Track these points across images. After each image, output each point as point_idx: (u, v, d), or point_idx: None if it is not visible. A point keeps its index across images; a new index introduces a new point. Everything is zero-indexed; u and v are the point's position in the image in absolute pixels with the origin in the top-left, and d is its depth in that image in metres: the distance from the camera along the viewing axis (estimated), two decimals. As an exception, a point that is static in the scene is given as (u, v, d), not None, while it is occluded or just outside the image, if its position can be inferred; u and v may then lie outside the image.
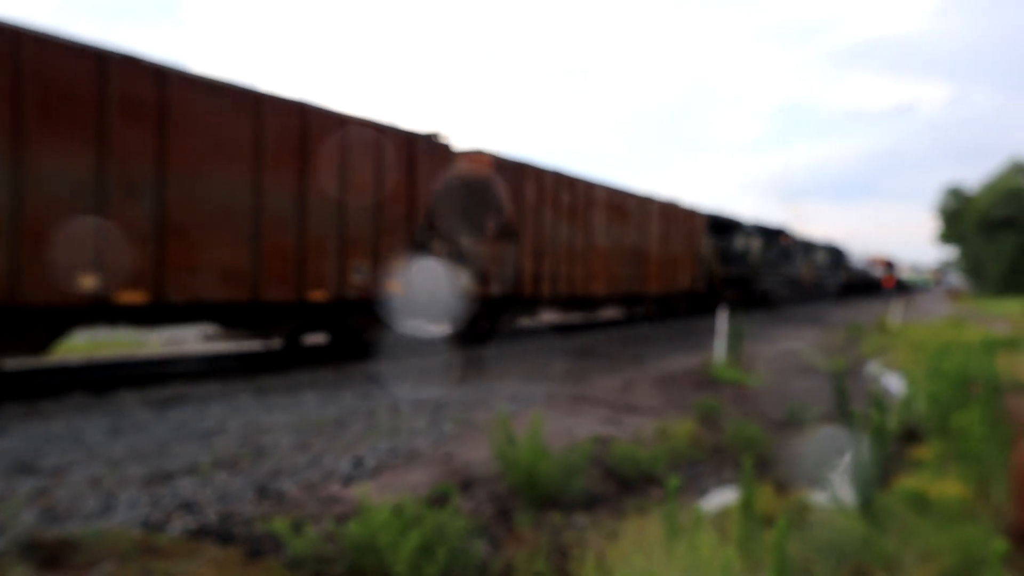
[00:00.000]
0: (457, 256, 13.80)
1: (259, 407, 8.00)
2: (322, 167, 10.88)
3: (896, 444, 7.21)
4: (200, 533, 4.30)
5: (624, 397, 9.44)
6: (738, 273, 30.57)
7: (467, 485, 5.48)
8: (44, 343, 8.32)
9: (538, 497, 5.21)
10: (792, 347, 16.80)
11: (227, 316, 10.18)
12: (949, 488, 5.29)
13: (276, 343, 12.05)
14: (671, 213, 23.51)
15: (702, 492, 6.04)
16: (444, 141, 13.34)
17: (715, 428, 7.98)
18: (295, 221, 10.50)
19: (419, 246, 12.81)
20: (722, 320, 13.50)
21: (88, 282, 8.18)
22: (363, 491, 4.58)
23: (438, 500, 4.91)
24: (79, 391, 8.64)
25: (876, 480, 4.80)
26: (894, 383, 11.47)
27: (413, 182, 12.61)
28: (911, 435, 7.56)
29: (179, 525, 4.38)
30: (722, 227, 29.67)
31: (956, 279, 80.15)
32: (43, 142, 7.83)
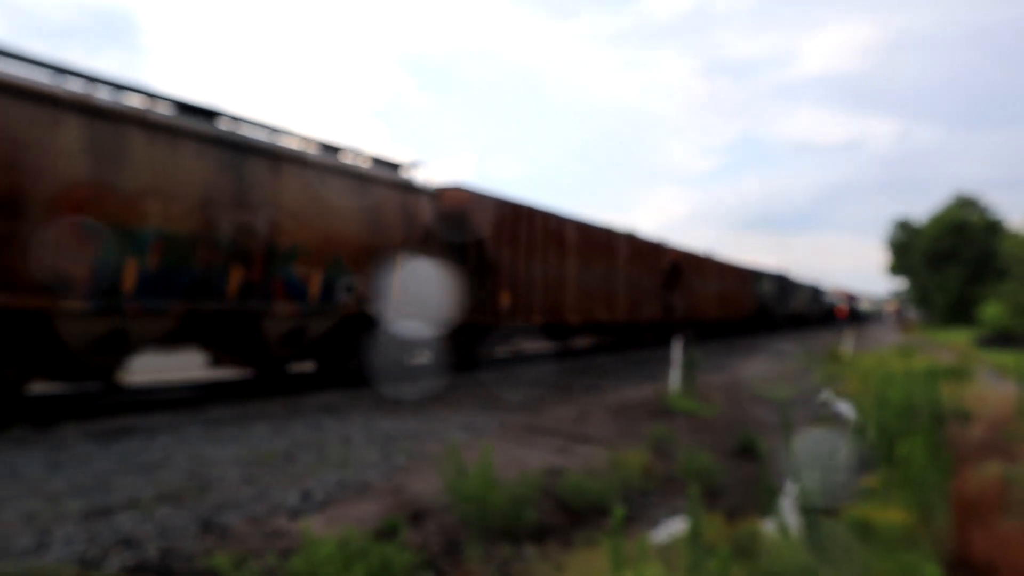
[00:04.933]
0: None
1: (207, 439, 7.86)
2: (625, 258, 23.89)
3: (846, 472, 7.31)
4: (139, 570, 4.19)
5: (578, 427, 9.44)
6: (761, 305, 43.11)
7: (417, 517, 5.42)
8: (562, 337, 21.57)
9: (488, 529, 5.18)
10: (747, 376, 16.98)
11: (601, 329, 23.89)
12: (894, 515, 5.36)
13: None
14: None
15: (653, 522, 6.05)
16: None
17: (668, 458, 8.01)
18: (607, 281, 22.48)
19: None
20: (677, 350, 13.60)
21: (573, 316, 20.11)
22: (308, 525, 4.51)
23: (386, 533, 4.85)
24: (19, 424, 8.40)
25: (822, 508, 4.85)
26: (844, 411, 11.64)
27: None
28: (861, 463, 7.67)
29: (117, 561, 4.26)
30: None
31: (912, 310, 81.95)
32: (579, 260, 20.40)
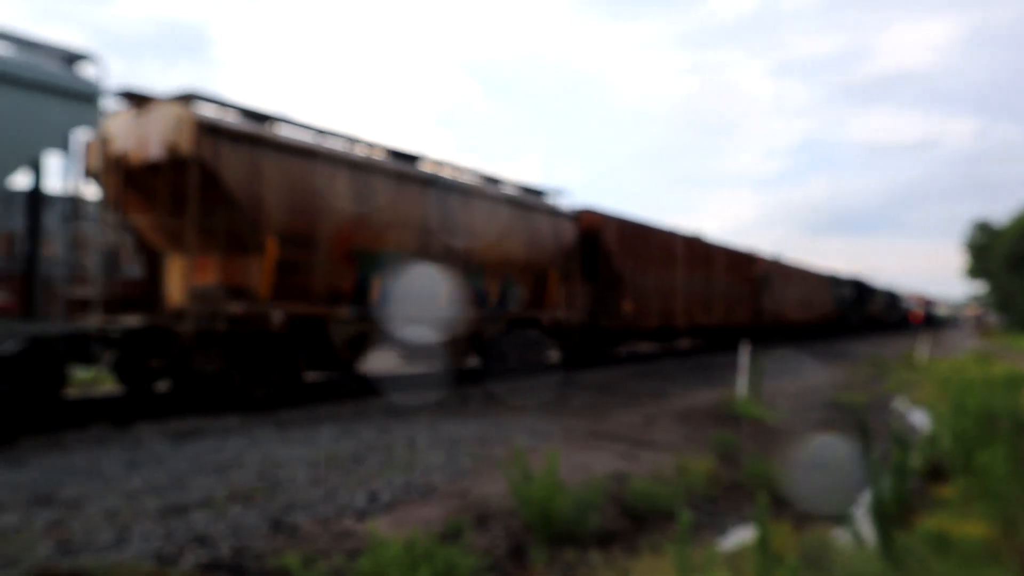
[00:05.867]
0: None
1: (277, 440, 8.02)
2: (721, 267, 26.22)
3: (920, 481, 7.10)
4: (212, 567, 4.30)
5: (643, 432, 9.37)
6: (839, 310, 44.19)
7: (481, 520, 5.45)
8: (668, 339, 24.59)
9: (553, 533, 5.17)
10: (820, 381, 16.61)
11: (701, 332, 25.86)
12: (972, 528, 5.19)
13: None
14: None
15: (720, 530, 5.96)
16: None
17: (734, 464, 7.90)
18: (707, 288, 24.83)
19: None
20: (744, 356, 13.40)
21: (680, 320, 22.66)
22: (375, 526, 4.57)
23: (451, 535, 4.88)
24: (99, 423, 8.70)
25: (896, 518, 4.72)
26: (919, 419, 11.31)
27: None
28: (936, 472, 7.44)
29: (192, 558, 4.38)
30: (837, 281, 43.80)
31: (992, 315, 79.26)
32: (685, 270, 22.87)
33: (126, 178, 10.32)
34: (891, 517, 4.60)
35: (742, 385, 12.76)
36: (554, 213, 17.03)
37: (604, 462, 7.50)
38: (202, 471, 6.52)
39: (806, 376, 18.09)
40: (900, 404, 13.26)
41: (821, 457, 8.48)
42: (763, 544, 3.84)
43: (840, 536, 5.08)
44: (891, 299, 65.22)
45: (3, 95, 7.81)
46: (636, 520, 5.90)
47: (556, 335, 17.13)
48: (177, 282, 10.96)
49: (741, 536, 5.69)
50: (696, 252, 24.26)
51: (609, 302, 18.95)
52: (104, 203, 10.13)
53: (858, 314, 50.03)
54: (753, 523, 5.56)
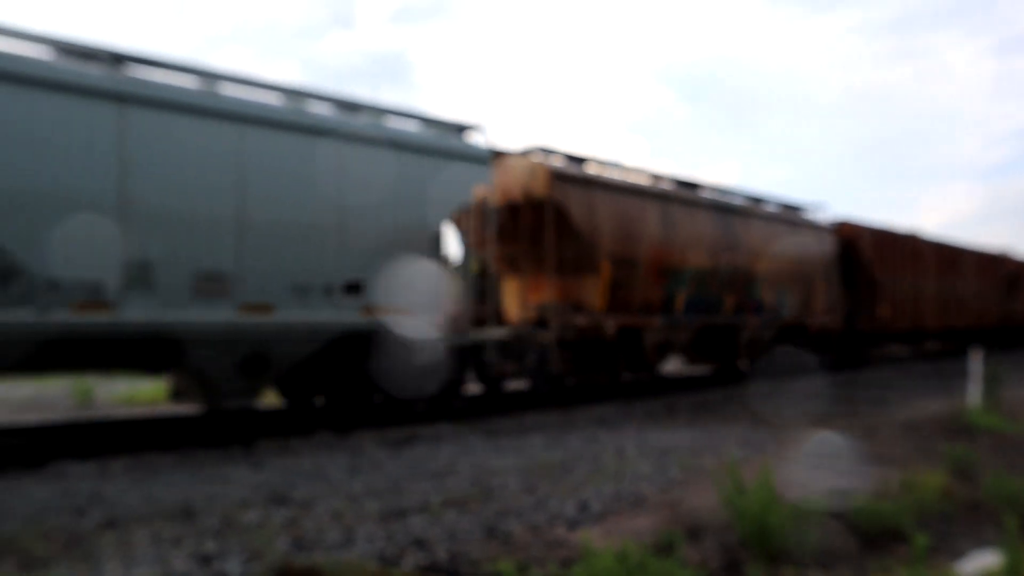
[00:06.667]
0: None
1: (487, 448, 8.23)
2: (970, 269, 26.48)
3: None
4: (431, 570, 4.45)
5: (864, 444, 8.82)
6: None
7: (694, 533, 5.31)
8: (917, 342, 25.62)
9: (770, 550, 4.95)
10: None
11: (950, 335, 25.71)
12: None
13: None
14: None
15: (957, 553, 5.48)
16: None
17: (970, 481, 7.25)
18: (956, 291, 25.20)
19: None
20: (976, 362, 12.32)
21: (931, 322, 23.60)
22: (587, 536, 4.57)
23: (663, 548, 4.80)
24: (322, 430, 9.32)
25: None
26: None
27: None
28: None
29: (411, 561, 4.56)
30: None
31: None
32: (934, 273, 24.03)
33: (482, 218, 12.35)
34: None
35: (974, 394, 11.72)
36: (816, 226, 19.38)
37: (822, 476, 7.12)
38: (418, 477, 6.80)
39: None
40: None
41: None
42: (1013, 571, 3.49)
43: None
44: None
45: (437, 164, 10.71)
46: (861, 539, 5.54)
47: (818, 340, 18.89)
48: (513, 300, 13.38)
49: (982, 561, 5.20)
50: (944, 255, 25.37)
51: (865, 307, 20.64)
52: (466, 239, 11.96)
53: None
54: (998, 547, 5.07)
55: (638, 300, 13.68)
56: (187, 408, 10.48)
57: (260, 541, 4.74)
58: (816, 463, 7.72)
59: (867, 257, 20.77)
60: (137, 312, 8.10)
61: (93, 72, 7.99)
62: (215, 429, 9.17)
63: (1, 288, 7.30)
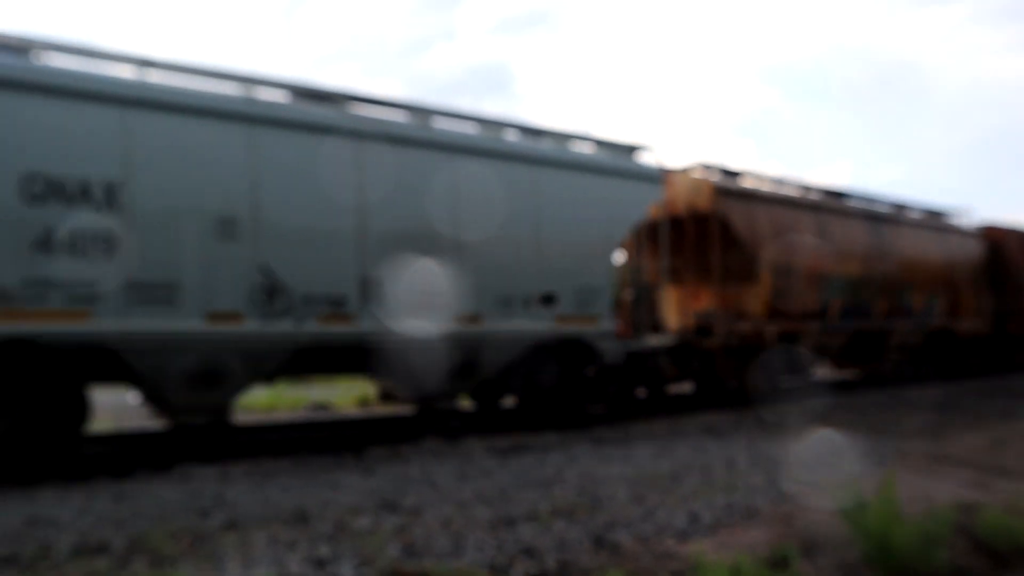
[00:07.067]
0: None
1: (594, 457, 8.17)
2: None
3: None
4: (540, 579, 4.43)
5: (992, 457, 8.35)
6: None
7: (810, 549, 5.12)
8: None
9: (892, 568, 4.72)
10: None
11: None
12: None
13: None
14: None
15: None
16: None
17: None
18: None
19: None
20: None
21: None
22: (699, 548, 4.46)
23: (778, 563, 4.64)
24: (432, 437, 9.45)
25: None
26: None
27: None
28: None
29: (521, 569, 4.55)
30: None
31: None
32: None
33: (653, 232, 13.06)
34: None
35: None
36: (962, 231, 19.79)
37: (947, 490, 6.77)
38: (526, 485, 6.79)
39: None
40: None
41: None
42: None
43: None
44: None
45: (616, 184, 11.48)
46: (993, 557, 5.24)
47: (966, 344, 19.26)
48: (672, 309, 13.96)
49: None
50: None
51: (1014, 311, 20.55)
52: (640, 252, 13.02)
53: None
54: None
55: (796, 307, 14.13)
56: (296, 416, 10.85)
57: (371, 547, 4.82)
58: (937, 475, 7.35)
59: (1015, 261, 20.77)
60: (369, 323, 9.17)
61: (339, 115, 9.34)
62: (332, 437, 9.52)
63: (269, 303, 8.40)
